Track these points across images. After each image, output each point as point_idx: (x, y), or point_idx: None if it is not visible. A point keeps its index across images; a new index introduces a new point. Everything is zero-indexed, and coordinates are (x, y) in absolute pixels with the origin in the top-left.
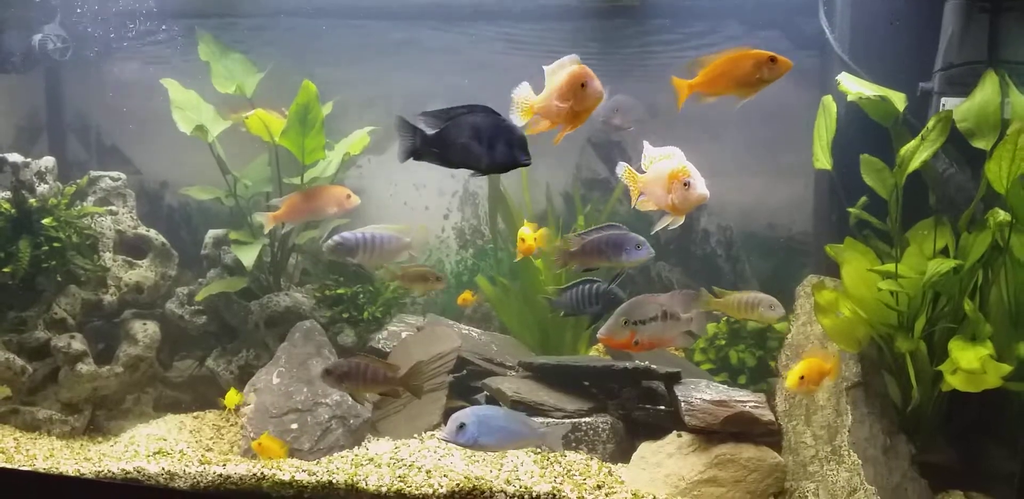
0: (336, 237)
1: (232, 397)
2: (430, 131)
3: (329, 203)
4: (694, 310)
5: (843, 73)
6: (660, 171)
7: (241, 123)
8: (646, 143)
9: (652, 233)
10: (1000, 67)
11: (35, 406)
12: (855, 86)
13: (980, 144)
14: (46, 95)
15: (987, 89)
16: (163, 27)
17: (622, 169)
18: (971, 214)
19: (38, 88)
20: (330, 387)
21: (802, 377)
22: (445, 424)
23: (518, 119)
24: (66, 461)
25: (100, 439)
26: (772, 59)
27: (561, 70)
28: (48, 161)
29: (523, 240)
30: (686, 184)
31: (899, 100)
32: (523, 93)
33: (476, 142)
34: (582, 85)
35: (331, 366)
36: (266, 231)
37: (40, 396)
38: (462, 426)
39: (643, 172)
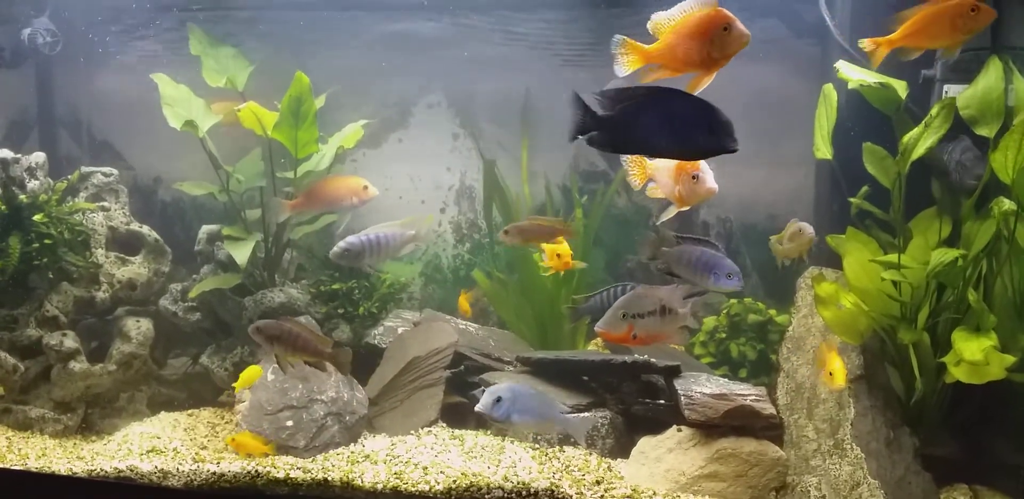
0: (341, 243)
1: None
2: (603, 112)
3: (347, 194)
4: (690, 304)
5: (841, 61)
6: (669, 161)
7: (230, 122)
8: None
9: (658, 222)
10: (1004, 53)
11: (27, 405)
12: (855, 73)
13: (983, 131)
14: (36, 90)
15: (990, 76)
16: (154, 21)
17: (626, 155)
18: (974, 203)
19: (28, 83)
20: (258, 343)
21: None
22: (441, 420)
23: (622, 69)
24: (59, 460)
25: (93, 438)
26: (974, 9)
27: (691, 12)
28: (39, 157)
29: (558, 256)
30: (695, 177)
31: (901, 87)
32: (624, 40)
33: (665, 127)
34: (725, 28)
35: (262, 325)
36: (280, 219)
37: (32, 395)
38: (499, 400)
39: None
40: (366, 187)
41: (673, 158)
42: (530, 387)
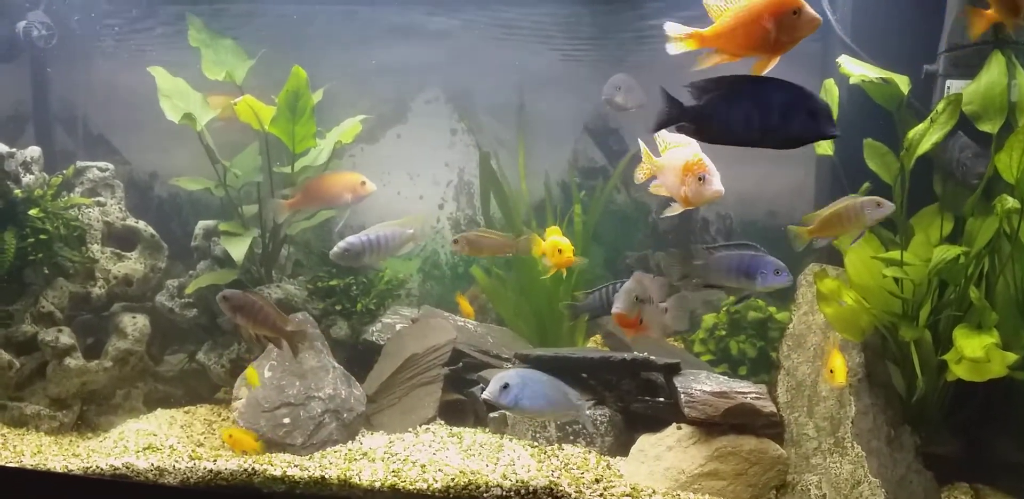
0: (341, 243)
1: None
2: (691, 103)
3: (344, 190)
4: (671, 301)
5: (843, 55)
6: (675, 160)
7: (226, 116)
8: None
9: (662, 216)
10: (1006, 48)
11: (23, 401)
12: (857, 68)
13: (986, 127)
14: (31, 84)
15: (993, 71)
16: (152, 13)
17: (641, 145)
18: (976, 199)
19: (23, 76)
20: (224, 312)
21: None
22: (439, 418)
23: (672, 49)
24: (54, 457)
25: (89, 435)
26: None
27: None
28: (34, 151)
29: (560, 251)
30: (701, 178)
31: (903, 83)
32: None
33: (760, 114)
34: (795, 11)
35: (229, 294)
36: (280, 220)
37: (28, 391)
38: (506, 386)
39: (657, 155)
40: (363, 183)
41: (767, 146)
42: (539, 373)
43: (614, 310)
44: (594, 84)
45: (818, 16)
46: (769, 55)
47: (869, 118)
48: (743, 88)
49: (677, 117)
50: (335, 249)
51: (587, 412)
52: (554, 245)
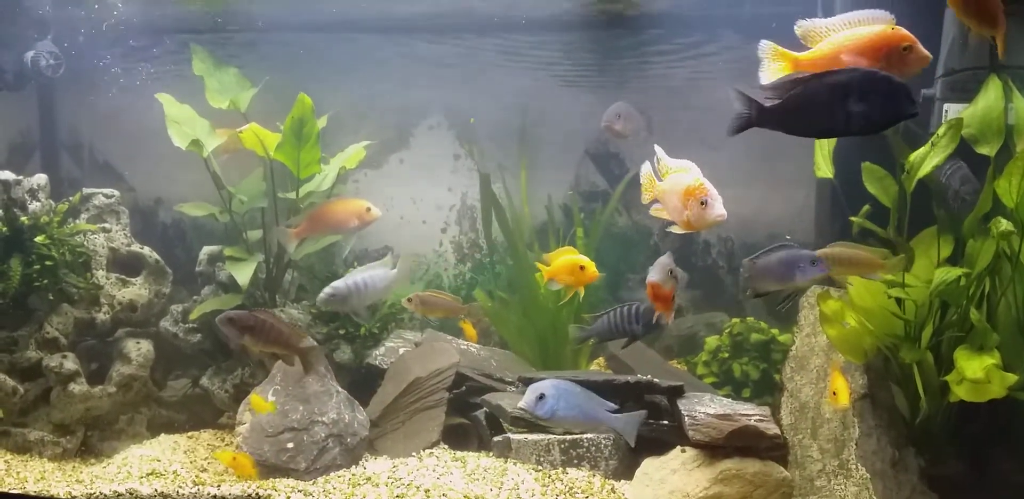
0: (327, 289)
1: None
2: (769, 103)
3: (350, 216)
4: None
5: None
6: (677, 184)
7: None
8: (660, 151)
9: (667, 233)
10: (1003, 72)
11: (26, 427)
12: None
13: (984, 150)
14: (39, 112)
15: (990, 94)
16: (157, 43)
17: (645, 170)
18: (975, 221)
19: (31, 105)
20: (228, 336)
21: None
22: (443, 442)
23: (767, 76)
24: (57, 483)
25: (92, 461)
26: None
27: (861, 25)
28: (40, 178)
29: (582, 268)
30: (703, 203)
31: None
32: (773, 46)
33: (840, 102)
34: (905, 48)
35: (234, 315)
36: (290, 249)
37: (32, 417)
38: (542, 397)
39: (659, 179)
40: (369, 209)
41: (854, 134)
42: (574, 384)
43: (649, 279)
44: (595, 109)
45: (928, 54)
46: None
47: (868, 141)
48: (821, 81)
49: (757, 119)
50: (321, 295)
51: (626, 424)
52: (575, 263)
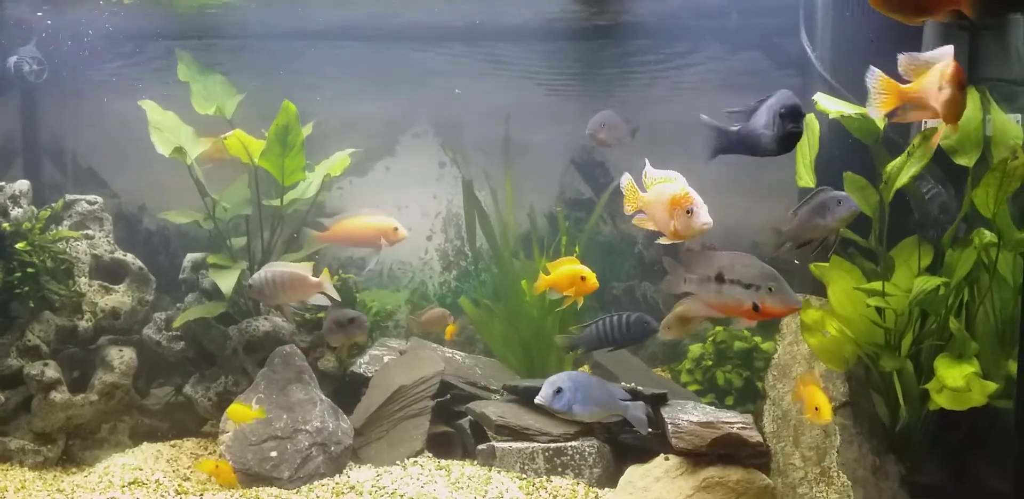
0: (252, 277)
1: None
2: (733, 128)
3: (377, 235)
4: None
5: (818, 93)
6: (662, 194)
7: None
8: (647, 162)
9: (655, 243)
10: (980, 85)
11: (7, 436)
12: (834, 105)
13: (962, 161)
14: (21, 118)
15: (968, 107)
16: (141, 49)
17: (625, 181)
18: (955, 231)
19: (13, 110)
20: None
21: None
22: (427, 450)
23: (877, 112)
24: (38, 493)
25: (74, 470)
26: None
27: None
28: (22, 185)
29: (583, 279)
30: (689, 211)
31: (880, 118)
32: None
33: (771, 125)
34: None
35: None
36: (312, 250)
37: (12, 426)
38: (559, 391)
39: (643, 190)
40: (396, 229)
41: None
42: (588, 375)
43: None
44: (580, 118)
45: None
46: (948, 122)
47: (850, 151)
48: (760, 104)
49: (726, 144)
50: (248, 281)
51: (637, 411)
52: (576, 273)
